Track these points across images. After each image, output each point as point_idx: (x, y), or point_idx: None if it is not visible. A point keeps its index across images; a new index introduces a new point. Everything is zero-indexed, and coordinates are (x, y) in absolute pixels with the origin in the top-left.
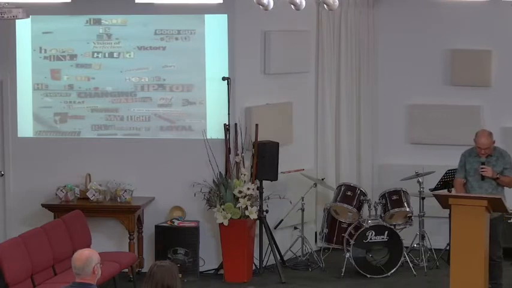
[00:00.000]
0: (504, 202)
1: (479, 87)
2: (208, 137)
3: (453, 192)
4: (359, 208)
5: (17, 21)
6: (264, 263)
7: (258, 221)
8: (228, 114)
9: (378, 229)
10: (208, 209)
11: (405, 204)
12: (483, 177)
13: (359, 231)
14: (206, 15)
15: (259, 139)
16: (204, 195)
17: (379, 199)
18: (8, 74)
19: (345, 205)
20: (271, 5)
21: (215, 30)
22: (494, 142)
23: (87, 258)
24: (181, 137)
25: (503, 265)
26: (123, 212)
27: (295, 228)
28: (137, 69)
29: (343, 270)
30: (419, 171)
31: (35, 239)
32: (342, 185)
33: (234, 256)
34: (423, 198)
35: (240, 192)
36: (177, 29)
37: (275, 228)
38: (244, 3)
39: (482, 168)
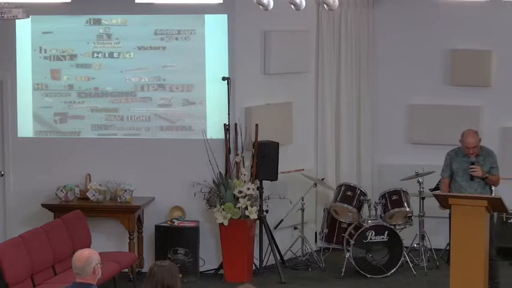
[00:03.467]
0: (504, 202)
1: (479, 87)
2: (208, 137)
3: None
4: (359, 208)
5: (17, 21)
6: (264, 263)
7: (258, 221)
8: (228, 114)
9: (378, 229)
10: (208, 209)
11: (405, 204)
12: (472, 177)
13: (359, 231)
14: (206, 15)
15: (259, 139)
16: (204, 195)
17: (379, 199)
18: (8, 74)
19: (345, 205)
20: (271, 5)
21: (215, 30)
22: (480, 140)
23: (88, 258)
24: (181, 137)
25: (502, 265)
26: (123, 212)
27: (295, 228)
28: (137, 69)
29: (343, 270)
30: (419, 171)
31: (35, 239)
32: (342, 185)
33: (234, 256)
34: (423, 198)
35: (240, 192)
36: (177, 29)
37: (275, 228)
38: (244, 3)
39: (471, 168)
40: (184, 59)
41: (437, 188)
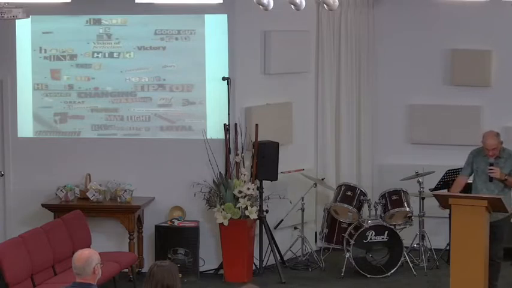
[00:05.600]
0: (504, 202)
1: (479, 87)
2: (208, 137)
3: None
4: (359, 208)
5: (17, 21)
6: (264, 263)
7: (258, 221)
8: (228, 114)
9: (378, 229)
10: (208, 209)
11: (405, 204)
12: (491, 179)
13: (359, 231)
14: (206, 15)
15: (259, 139)
16: (204, 195)
17: (379, 199)
18: (8, 74)
19: (345, 205)
20: (271, 5)
21: (215, 30)
22: (502, 143)
23: (88, 258)
24: (181, 137)
25: (502, 265)
26: (123, 212)
27: (295, 228)
28: (137, 69)
29: (343, 270)
30: (419, 171)
31: (35, 239)
32: (342, 185)
33: (234, 256)
34: (423, 198)
35: (240, 192)
36: (177, 29)
37: (275, 228)
38: (244, 3)
39: (490, 169)
40: (184, 59)
41: (437, 187)
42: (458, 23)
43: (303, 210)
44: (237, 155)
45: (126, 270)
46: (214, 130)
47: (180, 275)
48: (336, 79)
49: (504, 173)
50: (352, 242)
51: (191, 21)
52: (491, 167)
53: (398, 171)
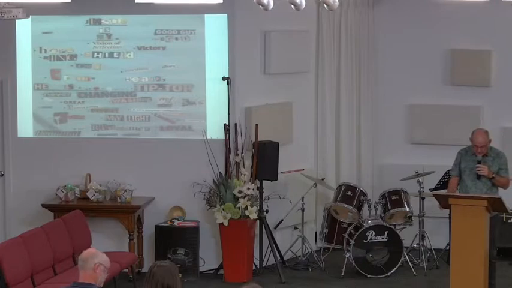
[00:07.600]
0: (504, 202)
1: (479, 87)
2: (208, 137)
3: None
4: (359, 208)
5: (17, 21)
6: (264, 263)
7: (258, 221)
8: (228, 114)
9: (378, 229)
10: (208, 209)
11: (405, 204)
12: (479, 176)
13: (359, 231)
14: (206, 15)
15: (259, 139)
16: (204, 195)
17: (379, 199)
18: (8, 74)
19: (345, 205)
20: (271, 5)
21: (215, 30)
22: (490, 141)
23: (93, 254)
24: (181, 137)
25: (502, 265)
26: (123, 212)
27: (295, 228)
28: (137, 69)
29: (343, 270)
30: (419, 171)
31: (35, 239)
32: (342, 185)
33: (234, 256)
34: (423, 198)
35: (240, 192)
36: (177, 29)
37: (275, 228)
38: (244, 3)
39: (478, 167)
40: (184, 59)
41: (437, 187)
42: (458, 23)
43: (303, 210)
44: (237, 155)
45: (126, 270)
46: (214, 130)
47: (180, 275)
48: (336, 79)
49: (492, 171)
50: (352, 242)
51: (191, 21)
52: (479, 165)
53: (398, 171)
